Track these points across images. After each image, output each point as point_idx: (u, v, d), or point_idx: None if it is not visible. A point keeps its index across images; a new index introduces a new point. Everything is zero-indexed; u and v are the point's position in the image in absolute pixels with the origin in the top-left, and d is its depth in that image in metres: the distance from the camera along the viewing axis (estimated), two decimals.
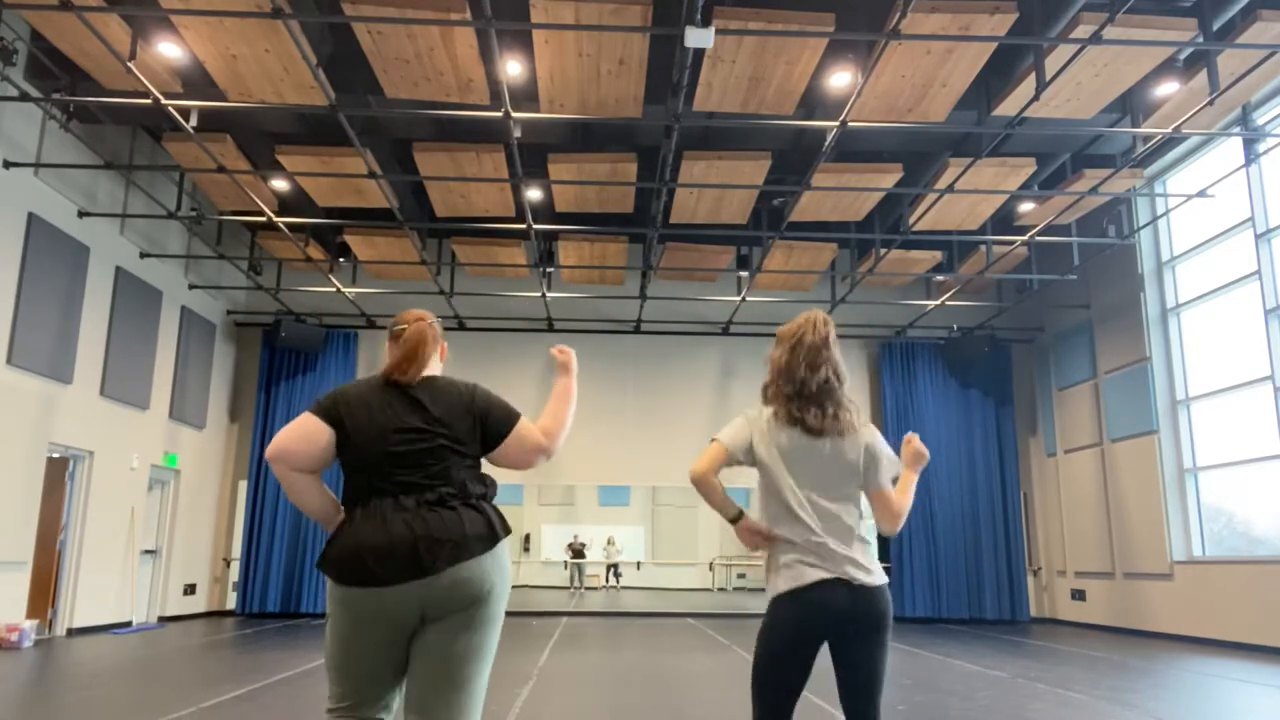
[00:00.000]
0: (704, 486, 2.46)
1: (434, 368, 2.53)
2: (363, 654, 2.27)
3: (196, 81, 7.95)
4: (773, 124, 8.38)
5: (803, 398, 2.47)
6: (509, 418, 2.47)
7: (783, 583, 2.43)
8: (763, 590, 2.56)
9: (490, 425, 2.43)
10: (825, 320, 2.56)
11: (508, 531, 2.38)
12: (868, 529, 2.53)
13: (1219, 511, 10.73)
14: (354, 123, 8.17)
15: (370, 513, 2.29)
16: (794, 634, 2.39)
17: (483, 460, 2.48)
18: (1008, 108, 7.90)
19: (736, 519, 2.49)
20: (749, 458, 2.50)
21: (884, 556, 13.69)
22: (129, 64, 7.05)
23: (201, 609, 12.92)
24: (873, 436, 2.53)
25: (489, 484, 2.44)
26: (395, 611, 2.23)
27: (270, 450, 2.31)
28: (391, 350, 2.50)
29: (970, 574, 13.24)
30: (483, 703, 2.34)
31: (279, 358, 13.55)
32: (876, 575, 2.44)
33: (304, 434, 2.34)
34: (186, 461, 12.38)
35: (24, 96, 8.01)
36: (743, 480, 2.62)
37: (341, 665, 2.30)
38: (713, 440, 2.52)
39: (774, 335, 2.63)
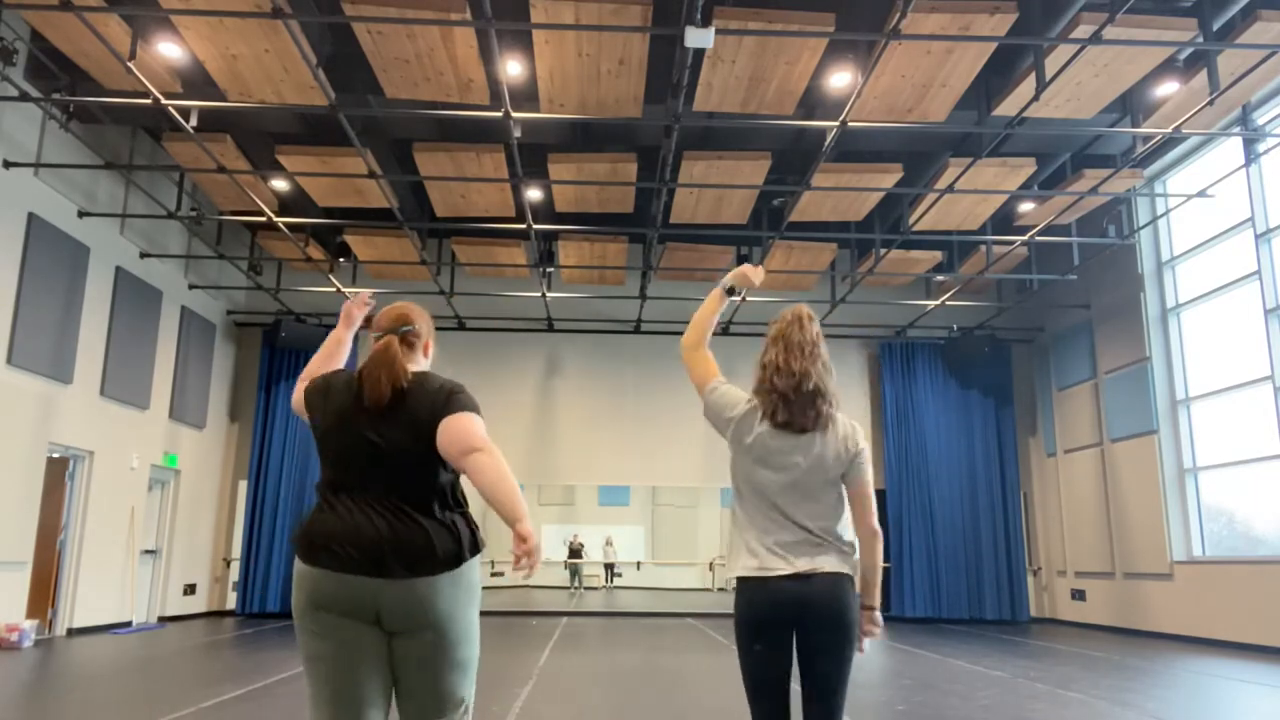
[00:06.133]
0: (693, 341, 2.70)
1: (417, 366, 2.47)
2: (323, 632, 2.21)
3: (196, 81, 7.95)
4: (773, 124, 8.37)
5: (795, 400, 2.47)
6: (464, 401, 2.31)
7: (743, 566, 2.46)
8: None
9: (440, 412, 2.28)
10: (810, 316, 2.58)
11: (477, 550, 2.32)
12: (849, 528, 2.51)
13: (1219, 511, 10.73)
14: (354, 123, 8.17)
15: (339, 505, 2.27)
16: (754, 618, 2.42)
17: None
18: (1008, 108, 7.90)
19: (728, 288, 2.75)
20: (728, 414, 2.54)
21: (884, 557, 13.71)
22: (129, 64, 7.04)
23: (201, 609, 12.92)
24: (849, 430, 2.52)
25: (461, 496, 2.38)
26: (348, 599, 2.19)
27: (307, 374, 2.65)
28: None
29: (970, 574, 13.24)
30: (471, 709, 2.34)
31: (279, 358, 13.54)
32: (841, 566, 2.43)
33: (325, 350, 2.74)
34: (186, 461, 12.38)
35: (24, 96, 8.01)
36: (727, 480, 2.64)
37: (310, 655, 2.25)
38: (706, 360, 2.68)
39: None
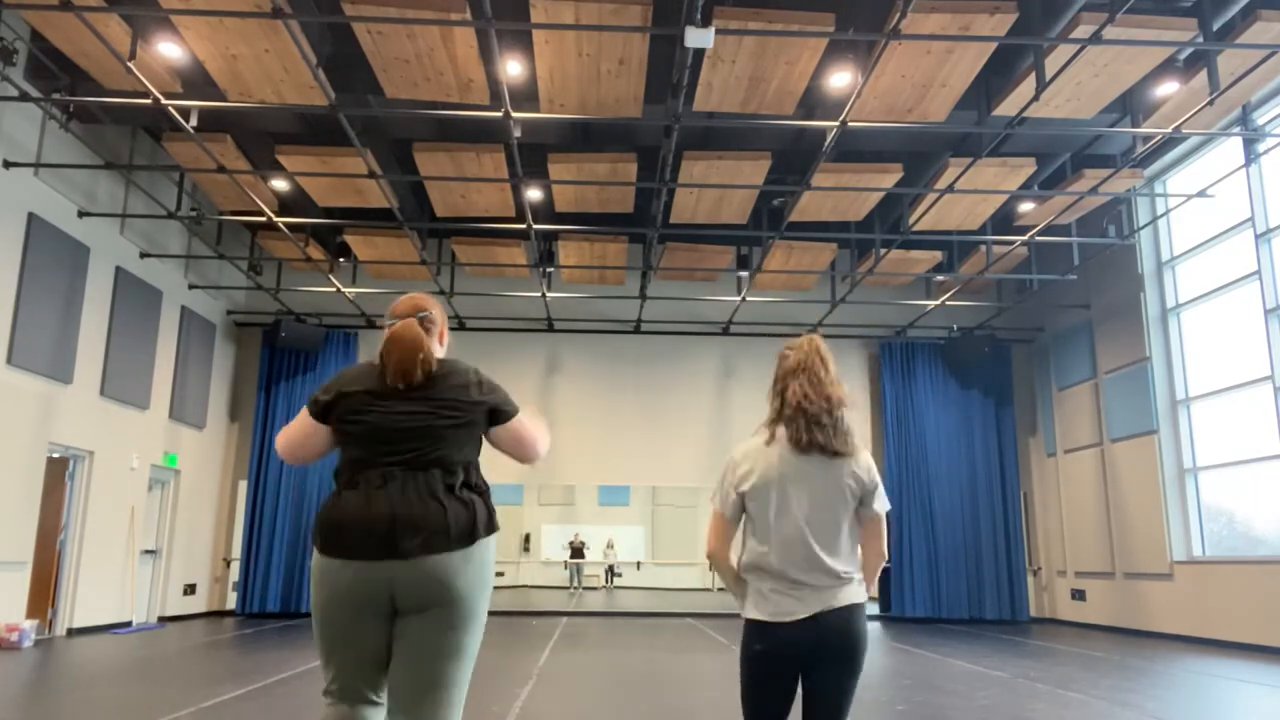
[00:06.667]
0: (718, 565, 2.51)
1: (436, 353, 2.53)
2: (340, 631, 2.28)
3: (196, 81, 7.95)
4: (773, 124, 8.37)
5: (827, 423, 2.45)
6: (510, 403, 2.53)
7: (756, 609, 2.41)
8: None
9: (497, 407, 2.48)
10: (824, 345, 2.57)
11: (492, 531, 2.36)
12: (858, 559, 2.50)
13: (1219, 511, 10.73)
14: (354, 123, 8.17)
15: (358, 486, 2.31)
16: (765, 663, 2.38)
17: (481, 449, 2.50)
18: (1008, 108, 7.90)
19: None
20: (743, 503, 2.47)
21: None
22: (129, 64, 7.04)
23: (201, 609, 12.92)
24: (869, 461, 2.53)
25: (482, 480, 2.43)
26: (364, 588, 2.24)
27: (278, 448, 2.47)
28: None
29: (970, 574, 13.24)
30: (462, 702, 2.34)
31: (279, 358, 13.54)
32: (855, 597, 2.41)
33: (300, 434, 2.45)
34: (186, 461, 12.38)
35: (24, 96, 8.01)
36: None
37: (326, 644, 2.31)
38: (713, 512, 2.51)
39: (774, 336, 2.64)
